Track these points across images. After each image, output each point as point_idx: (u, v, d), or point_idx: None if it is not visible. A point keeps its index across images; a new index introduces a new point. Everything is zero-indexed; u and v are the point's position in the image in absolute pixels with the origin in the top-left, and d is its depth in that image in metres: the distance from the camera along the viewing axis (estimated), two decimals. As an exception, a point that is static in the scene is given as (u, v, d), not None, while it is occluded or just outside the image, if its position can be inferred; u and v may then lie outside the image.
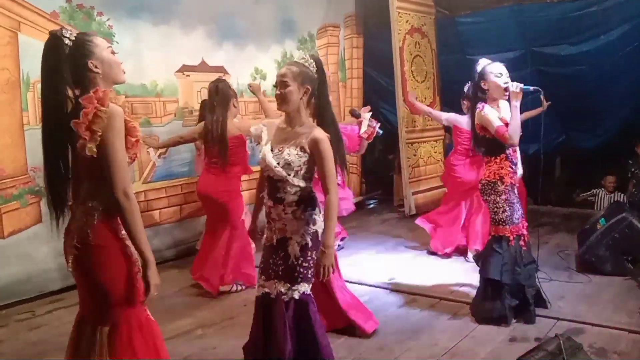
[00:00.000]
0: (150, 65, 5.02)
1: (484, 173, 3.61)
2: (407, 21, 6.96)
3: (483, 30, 6.90)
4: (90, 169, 2.01)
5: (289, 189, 2.54)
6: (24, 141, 4.18)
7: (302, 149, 2.53)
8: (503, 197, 3.52)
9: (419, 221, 5.43)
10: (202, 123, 4.33)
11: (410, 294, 4.16)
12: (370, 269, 4.81)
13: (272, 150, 2.58)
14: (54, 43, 2.02)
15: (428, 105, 6.95)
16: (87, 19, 4.55)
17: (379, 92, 7.94)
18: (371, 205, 8.03)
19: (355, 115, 3.56)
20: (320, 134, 2.51)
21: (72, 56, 2.02)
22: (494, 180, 3.53)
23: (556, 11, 6.38)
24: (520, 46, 6.73)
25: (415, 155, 7.05)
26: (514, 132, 3.39)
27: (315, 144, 2.49)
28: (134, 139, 2.08)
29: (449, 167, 5.37)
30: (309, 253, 2.58)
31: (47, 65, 2.01)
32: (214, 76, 4.88)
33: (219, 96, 4.18)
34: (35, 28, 4.22)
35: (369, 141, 3.62)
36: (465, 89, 4.81)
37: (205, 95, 4.70)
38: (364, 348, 3.28)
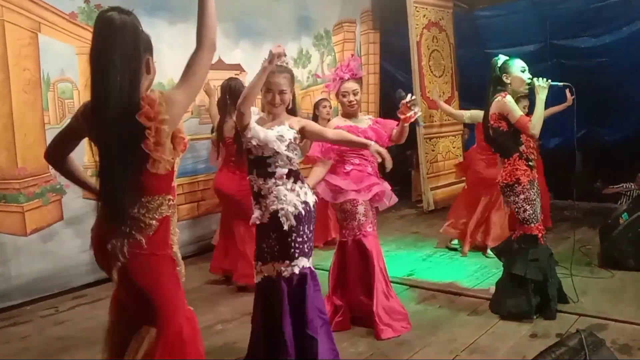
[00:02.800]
0: (169, 64, 5.02)
1: (502, 175, 3.57)
2: (424, 15, 6.91)
3: (502, 23, 6.82)
4: (155, 186, 1.91)
5: (279, 162, 2.70)
6: (45, 140, 4.24)
7: (290, 125, 2.76)
8: (522, 197, 3.49)
9: (444, 230, 5.30)
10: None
11: (429, 290, 4.14)
12: (389, 265, 4.73)
13: None
14: (137, 25, 1.86)
15: (446, 101, 6.93)
16: (106, 18, 4.60)
17: (397, 88, 7.84)
18: (389, 201, 7.98)
19: (399, 96, 3.44)
20: (300, 117, 2.91)
21: (140, 46, 1.87)
22: (511, 183, 3.49)
23: (577, 3, 6.27)
24: (540, 39, 6.64)
25: (433, 150, 7.01)
26: (537, 123, 3.35)
27: (302, 122, 2.84)
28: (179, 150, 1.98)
29: (469, 161, 5.32)
30: (302, 227, 2.70)
31: (122, 48, 1.80)
32: (231, 74, 4.90)
33: (232, 95, 4.20)
34: (54, 29, 4.29)
35: (406, 123, 3.46)
36: None
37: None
38: (382, 343, 3.27)
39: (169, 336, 1.99)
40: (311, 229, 2.77)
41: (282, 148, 2.69)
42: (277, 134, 2.70)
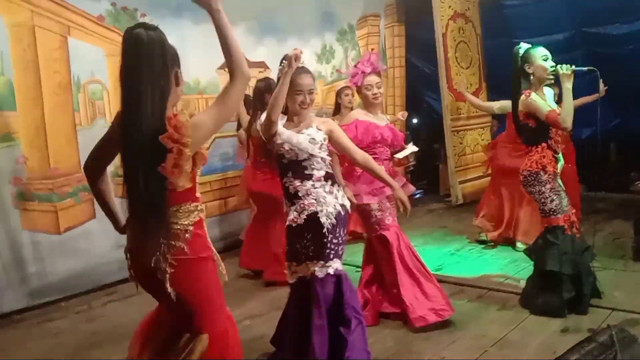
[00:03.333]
0: (193, 63, 5.08)
1: (526, 163, 3.47)
2: (449, 6, 6.82)
3: (530, 12, 6.68)
4: (179, 198, 1.94)
5: (315, 164, 2.72)
6: (76, 141, 4.35)
7: (317, 127, 2.78)
8: (548, 186, 3.40)
9: (479, 222, 5.23)
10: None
11: (458, 285, 4.10)
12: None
13: None
14: (164, 41, 1.89)
15: (474, 93, 6.84)
16: (132, 20, 4.68)
17: (423, 80, 7.82)
18: (417, 196, 7.94)
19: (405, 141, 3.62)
20: (325, 118, 2.98)
21: (167, 62, 1.91)
22: (536, 171, 3.41)
23: (606, -11, 6.10)
24: (570, 27, 6.49)
25: (461, 143, 6.93)
26: (568, 116, 3.23)
27: (330, 124, 2.84)
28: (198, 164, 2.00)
29: (495, 151, 5.27)
30: (338, 229, 2.71)
31: (151, 68, 1.84)
32: (255, 72, 4.92)
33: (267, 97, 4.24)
34: (83, 32, 4.38)
35: (399, 167, 3.72)
36: None
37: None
38: (410, 338, 3.26)
39: (218, 339, 2.04)
40: (345, 232, 2.79)
41: (315, 150, 2.71)
42: (309, 137, 2.72)
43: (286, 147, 2.70)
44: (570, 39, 6.50)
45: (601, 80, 5.11)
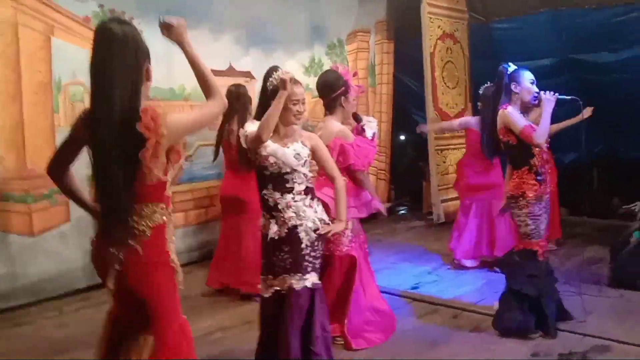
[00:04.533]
0: (180, 70, 5.05)
1: (509, 186, 3.51)
2: (438, 26, 6.87)
3: (518, 36, 6.73)
4: (148, 194, 1.94)
5: (297, 178, 2.72)
6: (54, 142, 4.29)
7: (303, 143, 2.79)
8: (525, 211, 3.40)
9: (452, 245, 5.17)
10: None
11: (433, 304, 4.08)
12: (394, 276, 4.75)
13: None
14: (136, 35, 1.91)
15: (459, 113, 6.90)
16: (119, 23, 4.66)
17: (410, 98, 7.85)
18: (401, 212, 7.95)
19: (357, 119, 3.54)
20: (310, 133, 2.92)
21: (140, 56, 1.92)
22: (516, 195, 3.42)
23: (595, 18, 6.15)
24: (557, 53, 6.56)
25: (444, 162, 6.95)
26: (542, 134, 3.29)
27: (314, 140, 2.85)
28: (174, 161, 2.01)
29: (459, 171, 5.28)
30: (317, 243, 2.74)
31: (125, 61, 1.86)
32: (240, 81, 4.91)
33: (240, 102, 4.22)
34: (68, 32, 4.35)
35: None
36: (481, 91, 4.72)
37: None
38: (382, 357, 3.22)
39: (166, 344, 2.01)
40: (323, 246, 2.81)
41: (299, 166, 2.71)
42: (294, 152, 2.72)
43: (271, 160, 2.70)
44: (557, 65, 6.57)
45: (587, 108, 5.18)
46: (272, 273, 2.76)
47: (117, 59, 1.84)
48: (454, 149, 7.04)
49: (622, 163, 6.99)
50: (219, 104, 2.00)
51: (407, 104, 7.96)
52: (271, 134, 2.69)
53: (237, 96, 4.23)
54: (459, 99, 7.13)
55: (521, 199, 3.40)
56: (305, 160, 2.75)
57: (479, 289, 4.42)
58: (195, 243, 5.35)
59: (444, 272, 4.97)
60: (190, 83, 5.25)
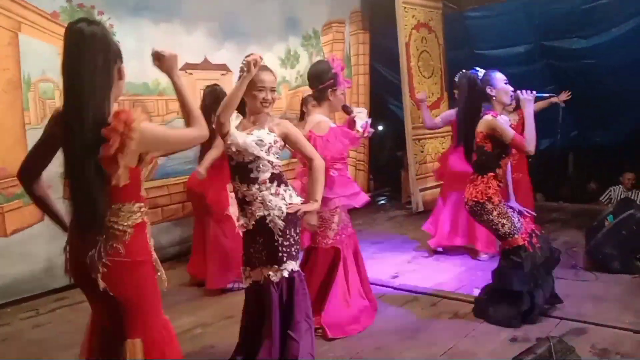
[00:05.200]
0: (152, 64, 5.01)
1: (471, 192, 3.45)
2: (413, 16, 6.88)
3: (492, 24, 6.80)
4: (121, 195, 1.91)
5: (262, 166, 2.68)
6: (25, 140, 4.20)
7: (270, 129, 2.72)
8: (495, 213, 3.39)
9: (425, 227, 5.28)
10: None
11: (412, 293, 4.11)
12: (374, 267, 4.73)
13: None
14: (106, 35, 1.88)
15: (435, 102, 6.95)
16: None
17: (387, 88, 7.87)
18: (380, 202, 7.98)
19: (347, 111, 3.55)
20: (281, 120, 2.82)
21: (111, 56, 1.90)
22: (482, 201, 3.40)
23: (567, 4, 6.24)
24: (530, 40, 6.63)
25: (422, 151, 6.98)
26: (531, 140, 3.29)
27: (284, 126, 2.75)
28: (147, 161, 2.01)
29: (443, 159, 5.31)
30: (288, 231, 2.69)
31: (94, 62, 1.83)
32: (216, 74, 4.86)
33: (216, 101, 4.20)
34: (35, 28, 4.25)
35: (366, 137, 3.64)
36: (456, 79, 4.60)
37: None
38: (361, 347, 3.24)
39: (151, 344, 2.00)
40: (297, 231, 2.77)
41: (262, 153, 2.66)
42: (257, 139, 2.67)
43: (233, 148, 2.68)
44: (530, 52, 6.65)
45: (563, 93, 5.24)
46: (250, 265, 2.77)
47: (86, 60, 1.83)
48: (431, 138, 7.08)
49: (596, 148, 7.10)
50: (199, 132, 2.01)
51: (384, 94, 7.98)
52: (236, 115, 2.70)
53: (214, 95, 4.20)
54: (434, 88, 7.16)
55: (488, 203, 3.39)
56: (270, 147, 2.68)
57: (457, 276, 4.48)
58: (173, 238, 5.32)
59: (424, 261, 5.00)
60: (165, 78, 5.11)
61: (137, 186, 1.97)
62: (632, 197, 6.26)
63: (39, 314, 4.08)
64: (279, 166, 2.77)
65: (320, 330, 3.34)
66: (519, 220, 3.47)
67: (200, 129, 2.01)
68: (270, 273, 2.69)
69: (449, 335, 3.34)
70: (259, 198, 2.68)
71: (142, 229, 1.99)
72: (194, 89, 5.38)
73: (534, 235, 3.48)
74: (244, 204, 2.73)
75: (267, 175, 2.69)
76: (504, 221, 3.40)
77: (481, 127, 3.41)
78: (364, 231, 6.08)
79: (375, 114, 7.96)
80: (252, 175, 2.68)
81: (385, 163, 8.78)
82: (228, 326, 3.63)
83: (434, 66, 7.19)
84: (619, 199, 6.46)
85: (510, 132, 3.32)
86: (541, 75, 6.64)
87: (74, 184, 1.89)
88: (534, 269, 3.39)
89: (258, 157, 2.67)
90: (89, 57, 1.83)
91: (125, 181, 1.88)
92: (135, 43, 4.83)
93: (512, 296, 3.41)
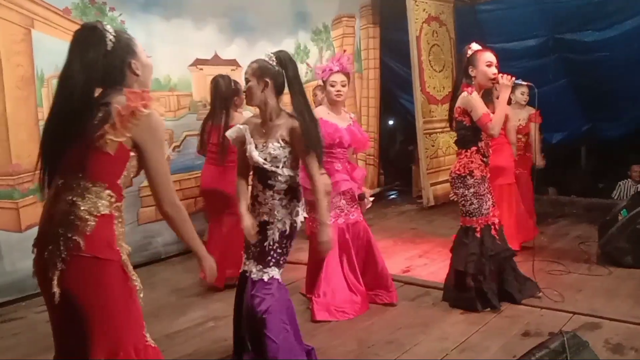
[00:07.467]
0: (164, 60, 5.03)
1: (455, 165, 3.58)
2: (424, 10, 6.84)
3: (504, 17, 6.75)
4: (98, 167, 1.79)
5: (279, 178, 2.68)
6: (39, 136, 4.23)
7: (284, 140, 2.66)
8: (472, 190, 3.50)
9: None
10: None
11: (424, 287, 4.10)
12: (385, 260, 4.73)
13: (256, 147, 2.70)
14: (94, 36, 1.85)
15: (446, 95, 6.88)
16: (100, 14, 4.58)
17: (398, 82, 7.85)
18: (391, 197, 7.97)
19: (360, 198, 3.76)
20: (295, 123, 2.63)
21: (113, 53, 1.86)
22: (464, 175, 3.50)
23: (578, -4, 6.18)
24: (543, 33, 6.57)
25: (433, 146, 6.96)
26: (497, 124, 3.38)
27: (293, 133, 2.63)
28: None
29: None
30: (285, 241, 2.73)
31: (82, 58, 1.82)
32: (227, 69, 4.87)
33: (219, 92, 4.20)
34: (48, 24, 4.28)
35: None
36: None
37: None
38: (373, 341, 3.24)
39: None
40: (291, 244, 2.80)
41: (277, 169, 2.65)
42: (270, 156, 2.64)
43: (251, 160, 2.71)
44: (543, 45, 6.59)
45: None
46: (247, 254, 2.83)
47: (78, 58, 1.84)
48: (442, 132, 7.05)
49: (608, 142, 7.03)
50: (168, 205, 1.89)
51: (395, 89, 7.96)
52: (242, 115, 2.78)
53: (216, 87, 4.23)
54: (445, 82, 7.12)
55: (469, 177, 3.48)
56: (285, 161, 2.66)
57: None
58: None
59: (435, 255, 4.98)
60: (176, 73, 5.21)
61: (116, 172, 1.83)
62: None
63: (53, 308, 4.11)
64: (297, 181, 2.73)
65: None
66: (488, 207, 3.55)
67: (172, 208, 1.91)
68: (254, 270, 2.73)
69: (461, 329, 3.33)
70: (269, 204, 2.70)
71: (108, 223, 1.79)
72: (205, 84, 5.40)
73: (492, 226, 3.58)
74: (255, 200, 2.77)
75: (284, 187, 2.68)
76: (474, 200, 3.51)
77: (459, 102, 3.49)
78: (375, 225, 6.07)
79: (386, 108, 8.00)
80: (269, 182, 2.69)
81: (396, 157, 8.77)
82: (240, 320, 3.66)
83: (445, 60, 7.16)
84: (629, 191, 6.41)
85: (480, 111, 3.37)
86: (554, 68, 6.58)
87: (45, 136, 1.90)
88: (481, 256, 3.50)
89: (274, 172, 2.67)
90: (78, 50, 1.84)
91: (110, 149, 1.77)
92: (145, 39, 4.84)
93: (459, 279, 3.58)
